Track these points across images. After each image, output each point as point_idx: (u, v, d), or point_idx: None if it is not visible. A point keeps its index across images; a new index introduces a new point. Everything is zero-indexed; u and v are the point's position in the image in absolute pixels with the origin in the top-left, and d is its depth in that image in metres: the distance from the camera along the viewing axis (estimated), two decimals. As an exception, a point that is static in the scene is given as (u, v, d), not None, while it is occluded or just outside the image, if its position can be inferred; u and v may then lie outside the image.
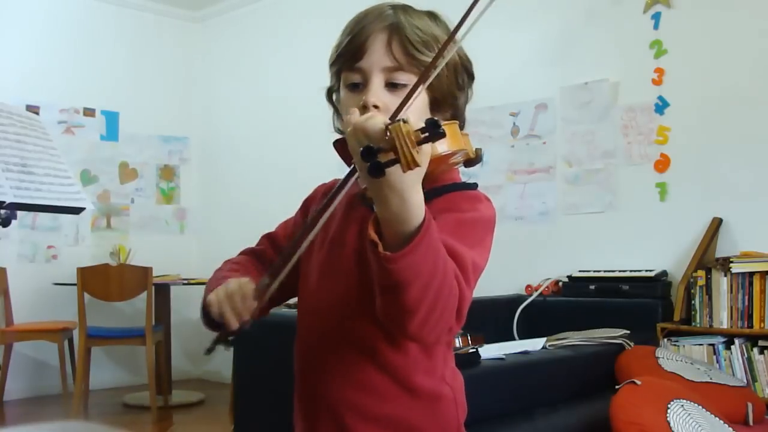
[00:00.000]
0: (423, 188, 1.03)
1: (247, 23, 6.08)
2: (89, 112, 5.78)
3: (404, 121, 0.82)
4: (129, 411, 4.91)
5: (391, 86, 1.10)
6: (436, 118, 0.83)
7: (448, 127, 0.99)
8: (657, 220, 3.75)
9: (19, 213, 1.73)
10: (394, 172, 0.84)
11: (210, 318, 1.13)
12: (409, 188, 0.86)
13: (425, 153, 0.85)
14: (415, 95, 0.98)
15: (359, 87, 1.11)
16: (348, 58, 1.12)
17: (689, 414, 2.45)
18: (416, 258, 0.87)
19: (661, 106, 3.77)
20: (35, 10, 5.54)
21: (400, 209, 0.87)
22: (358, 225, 1.12)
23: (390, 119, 0.88)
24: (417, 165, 0.82)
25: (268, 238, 1.30)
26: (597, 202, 3.99)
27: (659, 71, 3.77)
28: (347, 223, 1.15)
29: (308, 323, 1.19)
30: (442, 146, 0.97)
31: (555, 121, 4.17)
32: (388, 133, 0.83)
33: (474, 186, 1.13)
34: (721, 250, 3.48)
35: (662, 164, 3.76)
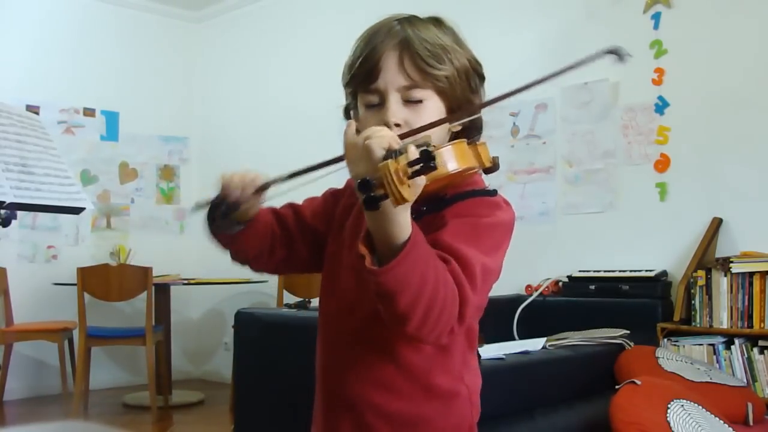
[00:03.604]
0: (445, 195, 1.08)
1: (247, 23, 6.08)
2: (89, 112, 5.78)
3: (400, 153, 0.85)
4: (129, 411, 4.91)
5: (408, 102, 1.12)
6: (430, 150, 0.86)
7: (456, 146, 1.00)
8: (657, 220, 3.75)
9: (19, 213, 1.73)
10: (387, 204, 0.88)
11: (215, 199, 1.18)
12: (397, 213, 0.91)
13: (417, 185, 0.88)
14: (433, 127, 1.05)
15: (377, 106, 1.13)
16: (362, 80, 1.14)
17: (689, 414, 2.45)
18: (402, 271, 0.92)
19: (661, 106, 3.77)
20: (35, 10, 5.54)
21: (387, 229, 0.92)
22: None
23: (403, 136, 0.92)
24: (405, 201, 0.85)
25: (292, 206, 1.31)
26: (597, 202, 3.99)
27: (659, 71, 3.77)
28: None
29: (333, 322, 1.21)
30: (451, 164, 0.99)
31: (555, 121, 4.17)
32: (381, 168, 0.85)
33: (494, 192, 1.15)
34: (721, 250, 3.48)
35: (662, 164, 3.76)
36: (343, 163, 1.04)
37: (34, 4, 5.54)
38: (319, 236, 1.27)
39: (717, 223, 3.53)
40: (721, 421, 2.54)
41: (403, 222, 0.92)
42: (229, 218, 1.17)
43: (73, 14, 5.73)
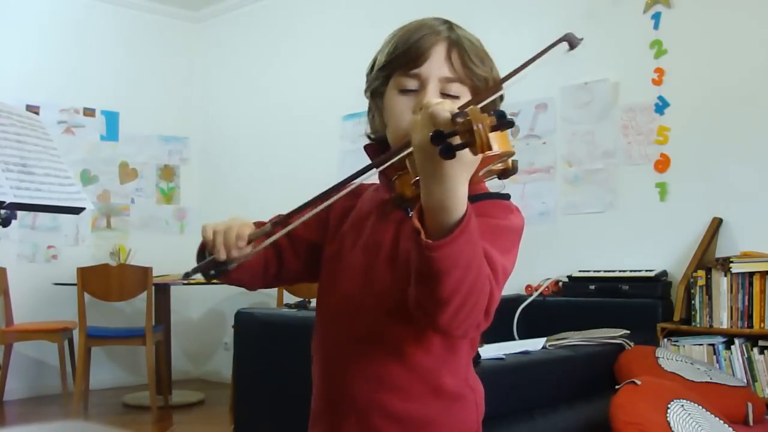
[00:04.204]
0: None
1: (246, 23, 6.08)
2: (89, 112, 5.78)
3: (465, 114, 0.86)
4: (129, 411, 4.91)
5: (444, 96, 1.13)
6: (502, 110, 0.87)
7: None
8: (657, 220, 3.75)
9: (19, 213, 1.73)
10: (460, 156, 0.87)
11: (202, 249, 1.15)
12: (458, 179, 0.91)
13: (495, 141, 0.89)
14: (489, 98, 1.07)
15: (412, 92, 1.14)
16: (405, 63, 1.15)
17: (689, 414, 2.45)
18: (455, 248, 0.91)
19: (661, 106, 3.77)
20: (35, 10, 5.54)
21: (446, 198, 0.91)
22: (395, 227, 1.16)
23: (458, 108, 0.92)
24: (490, 148, 0.85)
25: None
26: (597, 202, 3.99)
27: (659, 71, 3.77)
28: (383, 227, 1.17)
29: (337, 323, 1.20)
30: (494, 146, 0.97)
31: (555, 121, 4.17)
32: (462, 118, 0.86)
33: (507, 196, 1.16)
34: (721, 250, 3.48)
35: (662, 164, 3.76)
36: (327, 203, 1.05)
37: (34, 4, 5.54)
38: (313, 246, 1.26)
39: (717, 223, 3.53)
40: (721, 421, 2.54)
41: (462, 195, 0.91)
42: (221, 275, 1.14)
43: (73, 14, 5.73)
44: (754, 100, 3.50)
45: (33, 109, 5.31)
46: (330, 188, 1.08)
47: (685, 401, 2.50)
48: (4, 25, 5.40)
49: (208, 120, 6.33)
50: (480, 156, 0.88)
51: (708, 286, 3.31)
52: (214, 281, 1.19)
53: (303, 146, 5.46)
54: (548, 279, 3.94)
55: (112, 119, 5.89)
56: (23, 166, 1.75)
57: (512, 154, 1.05)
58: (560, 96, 4.14)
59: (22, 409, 4.94)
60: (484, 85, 1.15)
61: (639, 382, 2.51)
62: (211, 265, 1.11)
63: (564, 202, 4.13)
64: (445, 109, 0.89)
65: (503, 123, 0.86)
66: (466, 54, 1.14)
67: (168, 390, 5.05)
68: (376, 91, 1.21)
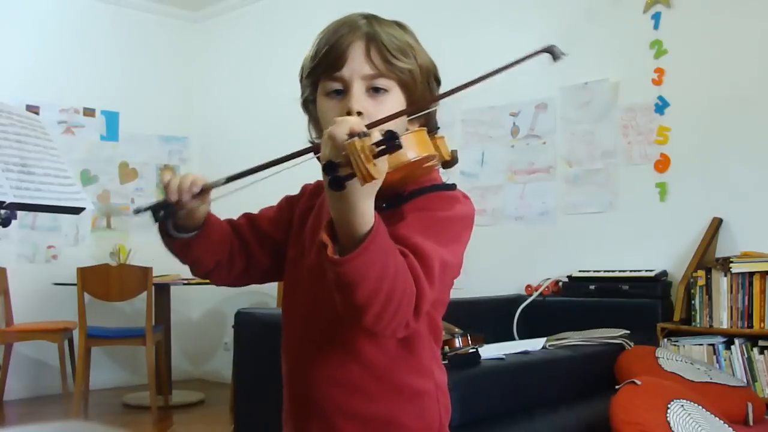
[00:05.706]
0: (404, 191, 1.08)
1: (247, 23, 6.08)
2: (89, 112, 5.78)
3: (364, 135, 0.86)
4: (129, 411, 4.91)
5: (373, 90, 1.13)
6: (393, 130, 0.87)
7: (415, 134, 1.01)
8: (657, 220, 3.75)
9: (19, 213, 1.73)
10: (352, 184, 0.88)
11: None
12: (360, 199, 0.91)
13: (382, 165, 0.89)
14: (401, 114, 1.07)
15: (339, 94, 1.14)
16: (327, 67, 1.14)
17: (689, 414, 2.45)
18: (363, 262, 0.92)
19: (661, 106, 3.77)
20: (35, 11, 5.54)
21: (350, 217, 0.92)
22: None
23: (366, 127, 0.92)
24: (373, 178, 0.85)
25: (248, 217, 1.33)
26: (597, 202, 3.99)
27: (659, 71, 3.77)
28: None
29: (297, 326, 1.21)
30: (411, 153, 0.99)
31: (555, 121, 4.17)
32: (345, 150, 0.86)
33: (452, 186, 1.15)
34: (721, 250, 3.48)
35: (662, 164, 3.76)
36: (282, 166, 1.04)
37: (34, 5, 5.54)
38: (277, 243, 1.28)
39: (717, 223, 3.53)
40: (721, 421, 2.54)
41: (366, 211, 0.92)
42: (172, 222, 1.17)
43: (73, 14, 5.73)
44: (754, 100, 3.50)
45: (33, 109, 5.31)
46: (280, 158, 1.13)
47: (685, 401, 2.50)
48: (4, 25, 5.40)
49: (208, 120, 6.33)
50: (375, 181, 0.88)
51: (708, 286, 3.31)
52: (171, 250, 1.23)
53: (302, 146, 5.46)
54: (548, 279, 3.94)
55: (112, 119, 5.89)
56: (23, 166, 1.75)
57: (434, 157, 1.05)
58: (560, 96, 4.14)
59: (22, 409, 4.94)
60: (410, 77, 1.14)
61: (639, 382, 2.51)
62: (162, 206, 1.15)
63: (564, 202, 4.13)
64: (343, 131, 0.89)
65: (387, 149, 0.85)
66: (385, 48, 1.12)
67: (168, 390, 5.05)
68: (308, 100, 1.22)
